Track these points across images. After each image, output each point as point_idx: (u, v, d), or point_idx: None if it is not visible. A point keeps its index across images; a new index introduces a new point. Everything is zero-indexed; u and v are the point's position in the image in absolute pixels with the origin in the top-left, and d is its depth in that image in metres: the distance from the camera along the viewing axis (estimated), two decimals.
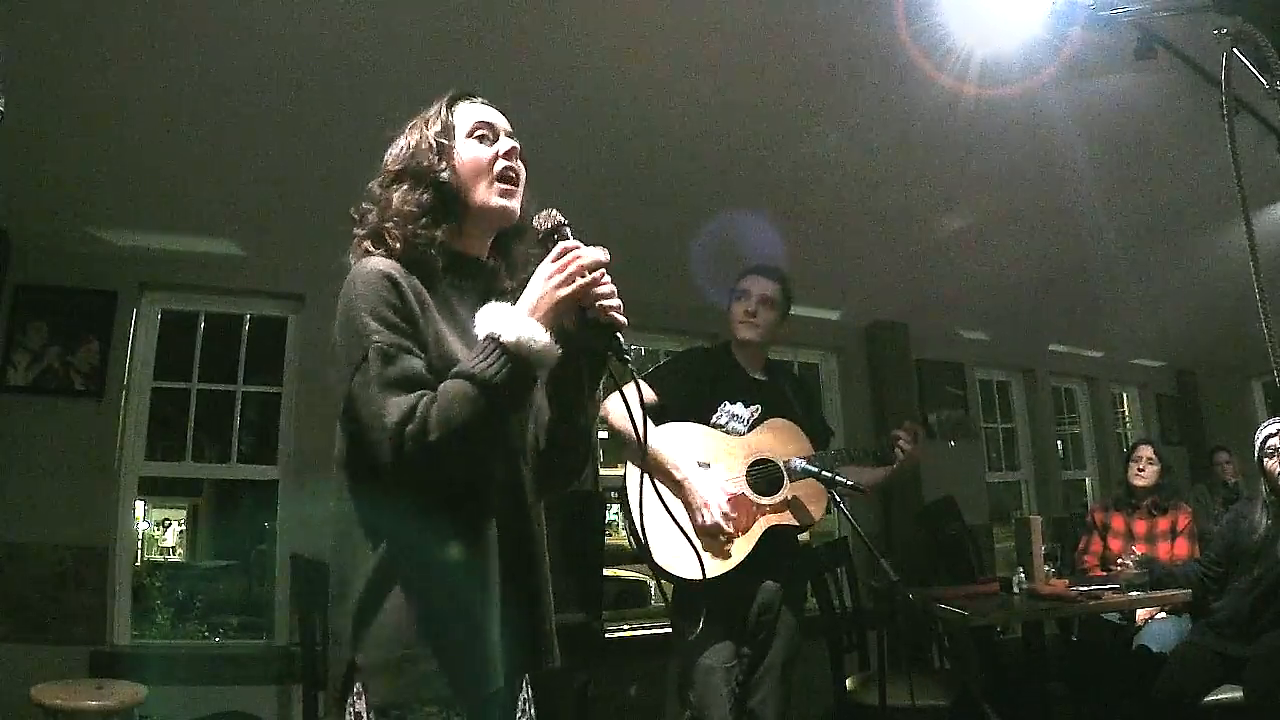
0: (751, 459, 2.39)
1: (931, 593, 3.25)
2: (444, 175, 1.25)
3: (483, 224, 1.30)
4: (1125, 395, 6.87)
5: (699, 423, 2.41)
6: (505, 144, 1.30)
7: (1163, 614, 3.49)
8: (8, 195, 3.00)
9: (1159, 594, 3.20)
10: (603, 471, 4.07)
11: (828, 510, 2.40)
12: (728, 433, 2.41)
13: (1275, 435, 3.01)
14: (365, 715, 1.10)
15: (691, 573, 2.21)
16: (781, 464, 2.39)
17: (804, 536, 2.61)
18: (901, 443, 2.51)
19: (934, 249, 4.30)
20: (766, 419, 2.46)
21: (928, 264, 4.46)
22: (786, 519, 2.37)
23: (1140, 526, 3.78)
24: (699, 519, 2.25)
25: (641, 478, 1.58)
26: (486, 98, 1.39)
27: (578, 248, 1.18)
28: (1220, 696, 2.85)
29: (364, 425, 1.10)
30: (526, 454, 1.32)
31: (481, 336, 1.13)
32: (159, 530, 6.46)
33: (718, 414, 2.42)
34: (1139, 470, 3.81)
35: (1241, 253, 1.19)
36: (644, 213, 3.54)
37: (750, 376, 2.54)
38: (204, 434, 4.08)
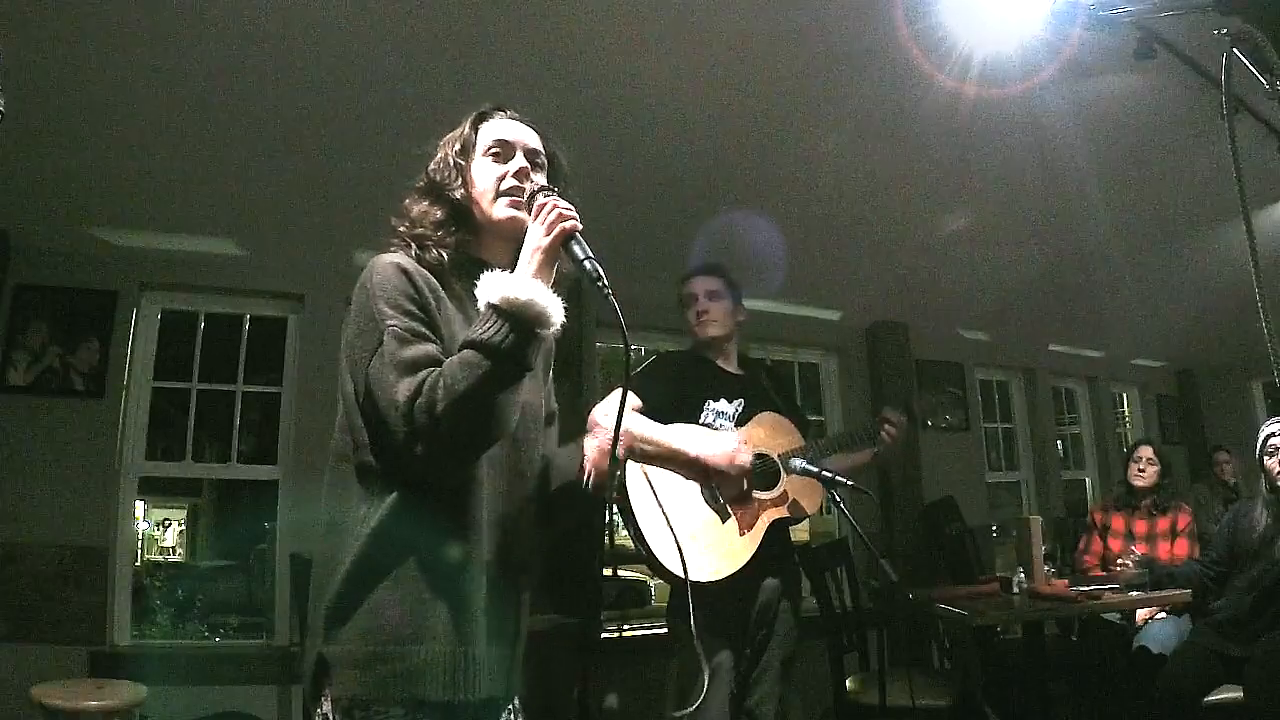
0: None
1: (931, 593, 3.25)
2: (457, 193, 1.32)
3: (497, 235, 1.34)
4: (1125, 395, 6.87)
5: (687, 424, 2.41)
6: (517, 163, 1.34)
7: (1163, 614, 3.49)
8: (8, 195, 3.01)
9: (1159, 594, 3.20)
10: None
11: (826, 510, 2.40)
12: (717, 430, 2.42)
13: (1277, 435, 3.01)
14: (332, 711, 1.10)
15: (693, 574, 2.21)
16: (777, 458, 2.40)
17: (804, 536, 2.61)
18: (888, 426, 2.51)
19: (934, 249, 4.30)
20: (751, 413, 2.46)
21: (928, 264, 4.46)
22: (786, 512, 2.38)
23: (1140, 526, 3.78)
24: (735, 469, 2.25)
25: (614, 467, 1.57)
26: (507, 105, 1.43)
27: (553, 199, 1.23)
28: (1220, 696, 2.85)
29: (380, 408, 1.12)
30: (528, 474, 1.33)
31: (481, 305, 1.15)
32: (159, 530, 6.47)
33: (704, 414, 2.42)
34: (1139, 470, 3.81)
35: (1241, 253, 1.19)
36: (644, 212, 3.54)
37: (727, 373, 2.55)
38: (204, 434, 4.09)
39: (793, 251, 3.90)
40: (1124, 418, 6.86)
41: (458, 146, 1.35)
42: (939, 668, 4.00)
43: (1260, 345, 1.10)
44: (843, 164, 3.51)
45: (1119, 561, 3.46)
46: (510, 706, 1.29)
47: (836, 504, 2.16)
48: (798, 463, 2.18)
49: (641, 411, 2.35)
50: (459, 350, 1.13)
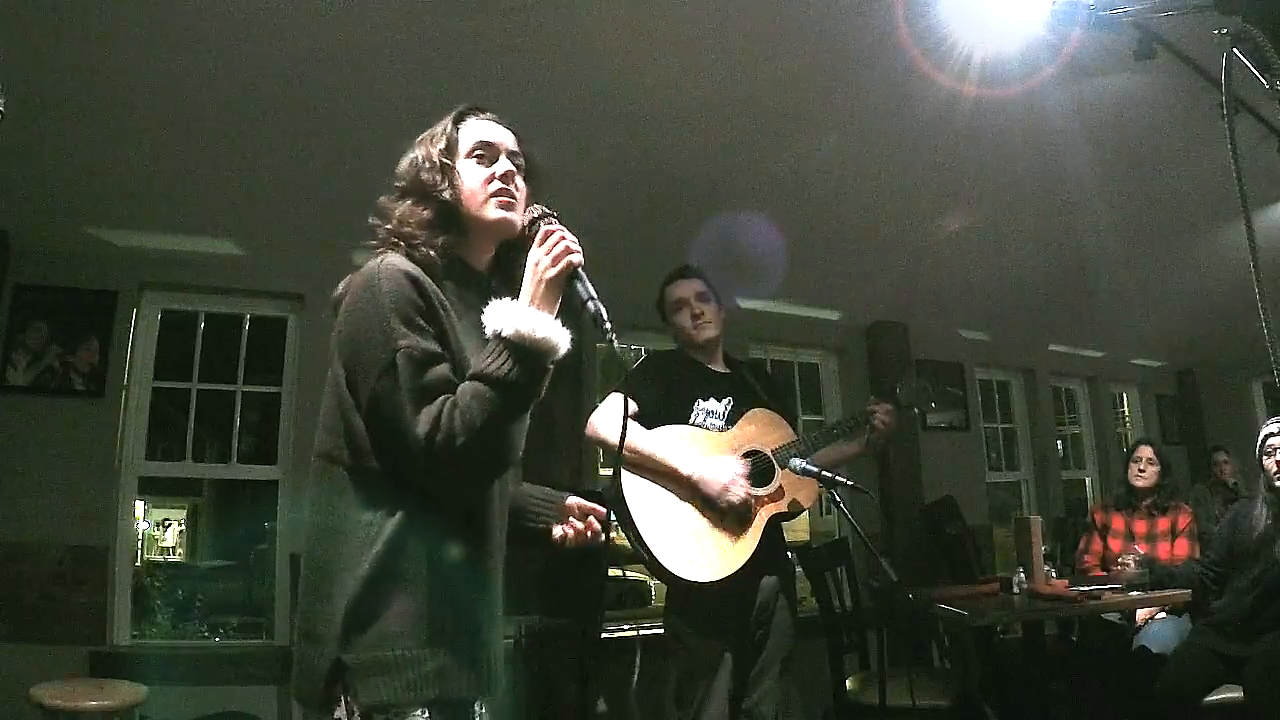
0: (741, 452, 2.39)
1: (931, 593, 3.25)
2: (445, 194, 1.30)
3: (485, 236, 1.35)
4: (1125, 395, 6.87)
5: (679, 424, 2.41)
6: (503, 165, 1.34)
7: (1163, 614, 3.49)
8: (8, 195, 3.00)
9: (1159, 594, 3.20)
10: (602, 471, 4.07)
11: (826, 510, 2.40)
12: (708, 429, 2.42)
13: (1276, 435, 3.01)
14: (354, 714, 1.10)
15: (696, 575, 2.21)
16: (771, 454, 2.40)
17: (804, 536, 2.61)
18: (877, 417, 2.51)
19: (934, 249, 4.30)
20: (741, 410, 2.47)
21: (928, 264, 4.46)
22: (783, 508, 2.38)
23: (1140, 526, 3.78)
24: (724, 502, 2.25)
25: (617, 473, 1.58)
26: (492, 106, 1.44)
27: (561, 230, 1.24)
28: (1220, 696, 2.85)
29: (390, 430, 1.12)
30: (512, 486, 1.38)
31: (489, 335, 1.16)
32: (159, 530, 6.46)
33: (694, 413, 2.43)
34: (1139, 470, 3.81)
35: (1241, 253, 1.19)
36: (643, 213, 3.54)
37: (716, 372, 2.56)
38: (204, 434, 4.09)
39: (792, 251, 3.90)
40: (1124, 418, 6.86)
41: (442, 145, 1.33)
42: (939, 668, 4.00)
43: (1260, 345, 1.10)
44: (843, 164, 3.51)
45: (1119, 561, 3.45)
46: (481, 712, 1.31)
47: (836, 504, 2.16)
48: (798, 463, 2.18)
49: (636, 414, 2.35)
50: (469, 380, 1.14)
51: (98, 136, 2.81)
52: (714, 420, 2.44)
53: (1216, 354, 6.45)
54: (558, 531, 1.41)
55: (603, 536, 1.41)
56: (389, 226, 1.28)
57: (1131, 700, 3.19)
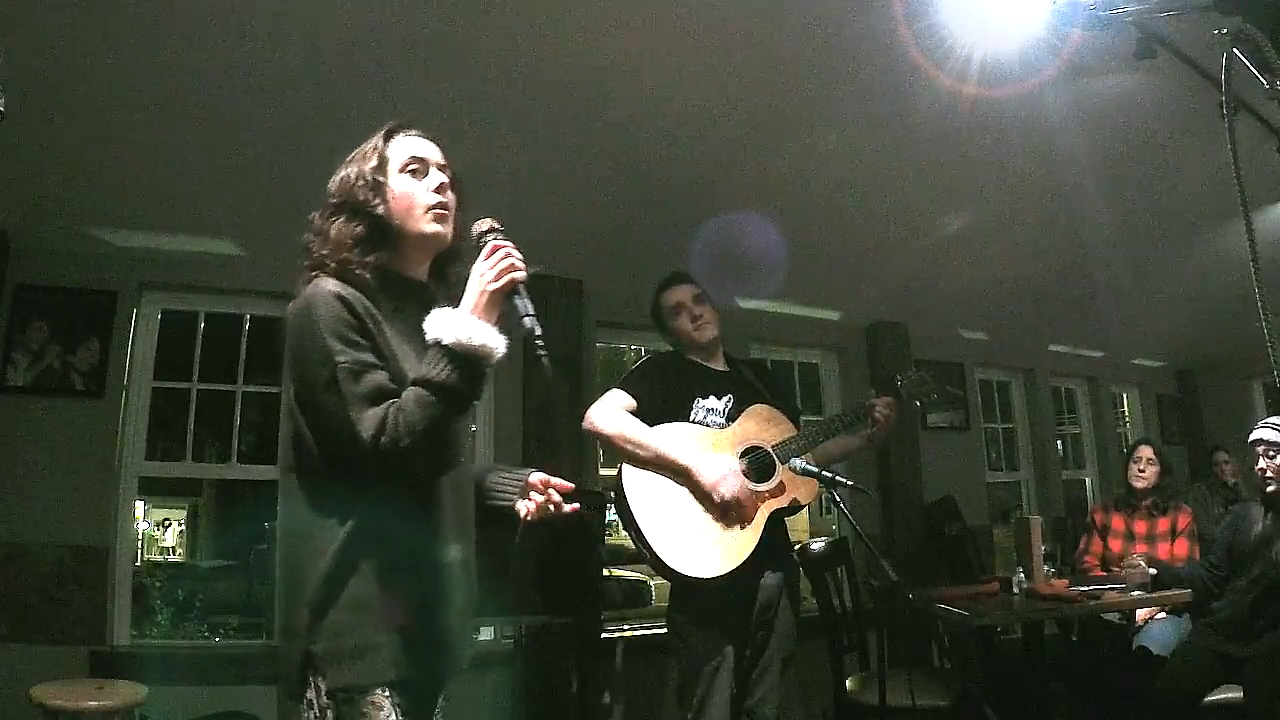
0: (741, 448, 2.40)
1: (932, 593, 3.25)
2: (378, 209, 1.35)
3: (419, 249, 1.40)
4: (1125, 395, 6.86)
5: (679, 422, 2.42)
6: (435, 179, 1.39)
7: (1163, 614, 3.49)
8: (8, 195, 3.00)
9: (1159, 594, 3.20)
10: (602, 471, 4.07)
11: (826, 510, 2.41)
12: (709, 426, 2.43)
13: (1263, 438, 3.01)
14: (320, 699, 1.19)
15: (698, 571, 2.21)
16: (771, 450, 2.41)
17: (804, 537, 2.61)
18: (878, 410, 2.53)
19: (934, 249, 4.30)
20: (740, 407, 2.48)
21: (928, 264, 4.46)
22: (783, 503, 2.39)
23: (1140, 527, 3.78)
24: (717, 496, 2.26)
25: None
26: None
27: (507, 246, 1.29)
28: (1220, 696, 2.85)
29: (341, 438, 1.20)
30: (465, 478, 1.42)
31: (429, 342, 1.23)
32: (159, 530, 6.47)
33: (694, 411, 2.44)
34: (1139, 471, 3.81)
35: (1241, 253, 1.19)
36: (643, 212, 3.54)
37: (715, 370, 2.58)
38: (204, 434, 4.08)
39: (792, 251, 3.90)
40: (1124, 418, 6.86)
41: (374, 162, 1.37)
42: (939, 668, 4.00)
43: (1260, 345, 1.10)
44: (842, 164, 3.51)
45: (1127, 562, 3.43)
46: (443, 695, 1.38)
47: (836, 504, 2.16)
48: (798, 462, 2.18)
49: (636, 411, 2.37)
50: (412, 386, 1.21)
51: (98, 136, 2.81)
52: (714, 418, 2.46)
53: (1216, 354, 6.45)
54: (521, 507, 1.46)
55: (565, 509, 1.45)
56: (325, 251, 1.33)
57: (1131, 700, 3.18)
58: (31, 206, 3.13)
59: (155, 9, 2.37)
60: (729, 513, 2.28)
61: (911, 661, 3.82)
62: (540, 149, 3.12)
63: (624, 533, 2.28)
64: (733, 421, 2.45)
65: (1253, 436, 3.05)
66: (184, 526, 6.57)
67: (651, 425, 2.35)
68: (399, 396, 1.21)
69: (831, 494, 2.16)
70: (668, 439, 2.33)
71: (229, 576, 5.39)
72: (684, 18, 2.65)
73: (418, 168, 1.39)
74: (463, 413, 1.26)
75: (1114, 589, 3.23)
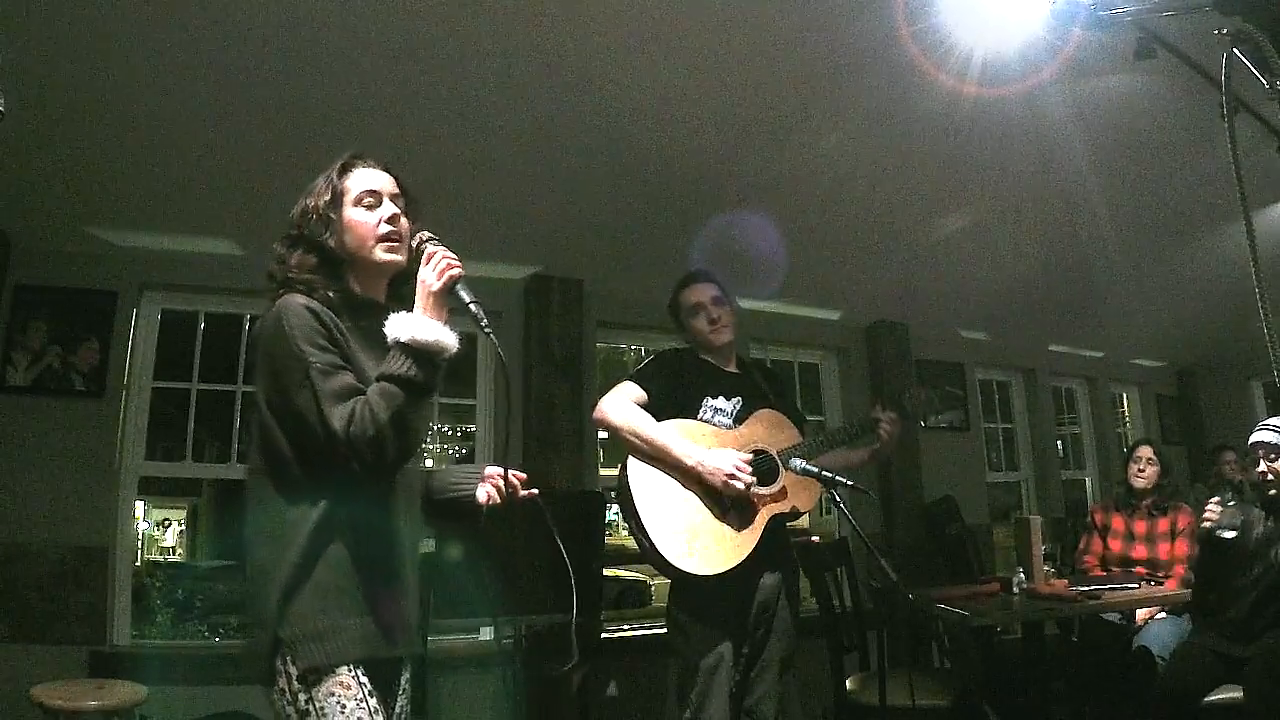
0: (746, 450, 2.40)
1: (931, 593, 3.25)
2: (330, 242, 1.47)
3: (374, 275, 1.53)
4: (1125, 395, 6.87)
5: (687, 419, 2.42)
6: (388, 210, 1.51)
7: (1163, 614, 3.49)
8: (8, 195, 3.00)
9: (1159, 594, 3.19)
10: (602, 471, 4.07)
11: (826, 510, 2.41)
12: (716, 426, 2.43)
13: (1261, 443, 3.00)
14: (292, 680, 1.28)
15: (696, 567, 2.22)
16: (776, 455, 2.41)
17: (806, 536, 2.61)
18: (883, 425, 2.55)
19: (934, 249, 4.30)
20: (748, 410, 2.49)
21: (928, 264, 4.46)
22: (784, 507, 2.40)
23: (1140, 527, 3.78)
24: (721, 483, 2.26)
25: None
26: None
27: (441, 250, 1.45)
28: (1220, 696, 2.85)
29: (315, 433, 1.30)
30: (416, 476, 1.56)
31: (390, 342, 1.37)
32: (159, 530, 6.47)
33: (702, 410, 2.45)
34: (1139, 471, 3.81)
35: (1241, 253, 1.19)
36: (643, 212, 3.54)
37: (726, 371, 2.59)
38: (204, 434, 4.09)
39: (793, 251, 3.90)
40: (1124, 418, 6.86)
41: (327, 198, 1.48)
42: (939, 668, 4.00)
43: (1260, 345, 1.10)
44: (842, 164, 3.51)
45: (1159, 574, 3.31)
46: (405, 676, 1.49)
47: (836, 504, 2.16)
48: (798, 463, 2.19)
49: (645, 405, 2.38)
50: (376, 381, 1.34)
51: (98, 136, 2.81)
52: (722, 418, 2.46)
53: (1216, 354, 6.46)
54: (481, 494, 1.58)
55: (522, 493, 1.58)
56: (290, 275, 1.44)
57: (1131, 700, 3.18)
58: (31, 206, 3.14)
59: (155, 9, 2.37)
60: (731, 509, 2.28)
61: (911, 661, 3.82)
62: (540, 149, 3.12)
63: (624, 533, 2.28)
64: (740, 424, 2.46)
65: (1252, 439, 3.04)
66: (184, 526, 6.58)
67: (660, 420, 2.35)
68: (364, 394, 1.33)
69: (831, 494, 2.17)
70: (675, 434, 2.33)
71: (229, 576, 5.38)
72: (684, 19, 2.65)
73: (371, 200, 1.50)
74: (422, 404, 1.37)
75: (1114, 589, 3.23)
